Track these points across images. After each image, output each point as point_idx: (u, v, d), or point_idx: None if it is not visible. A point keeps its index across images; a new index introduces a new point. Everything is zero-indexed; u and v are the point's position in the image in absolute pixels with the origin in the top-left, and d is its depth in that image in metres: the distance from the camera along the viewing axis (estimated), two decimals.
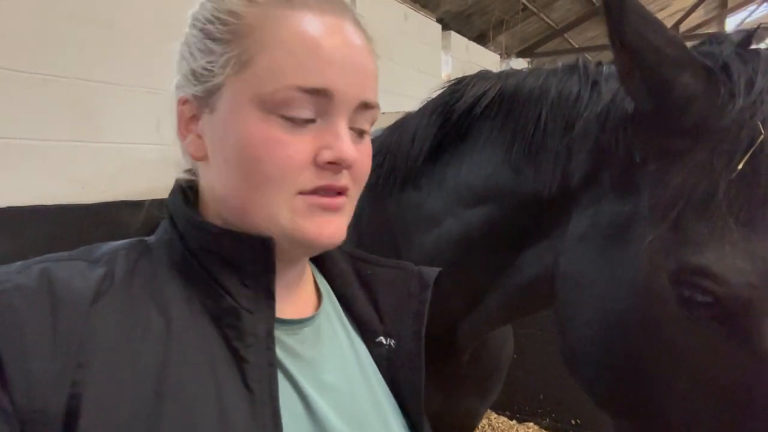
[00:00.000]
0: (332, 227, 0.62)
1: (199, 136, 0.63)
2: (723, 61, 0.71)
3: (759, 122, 0.65)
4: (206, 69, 0.61)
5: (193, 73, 0.62)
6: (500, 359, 1.49)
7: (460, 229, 1.09)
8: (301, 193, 0.60)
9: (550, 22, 8.59)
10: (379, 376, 0.73)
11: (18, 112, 2.39)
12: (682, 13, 9.42)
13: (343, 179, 0.62)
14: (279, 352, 0.61)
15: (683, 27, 9.15)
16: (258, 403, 0.55)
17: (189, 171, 0.68)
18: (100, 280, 0.56)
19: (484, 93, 1.07)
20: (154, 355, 0.53)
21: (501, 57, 8.05)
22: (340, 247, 0.79)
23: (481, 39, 7.58)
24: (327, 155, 0.59)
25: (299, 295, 0.70)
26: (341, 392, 0.65)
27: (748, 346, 0.64)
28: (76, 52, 2.56)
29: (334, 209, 0.62)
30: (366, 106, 0.64)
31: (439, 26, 6.56)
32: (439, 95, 1.19)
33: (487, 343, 1.37)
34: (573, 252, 0.88)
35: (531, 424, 3.42)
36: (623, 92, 0.81)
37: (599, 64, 0.98)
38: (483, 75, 1.14)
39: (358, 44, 0.63)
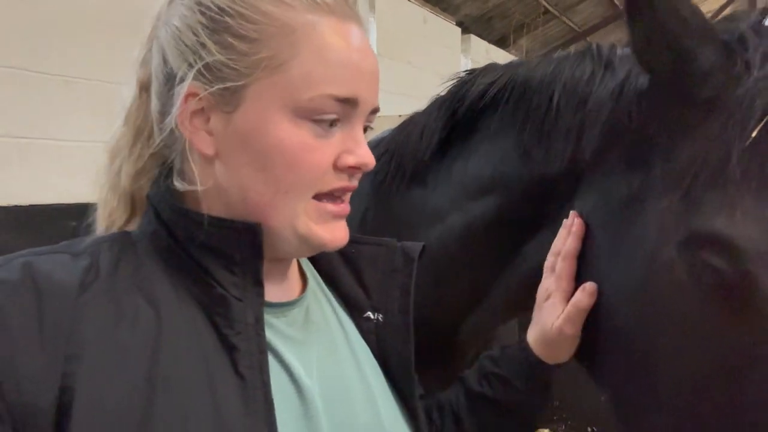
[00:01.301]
0: (342, 233, 0.65)
1: (210, 133, 0.60)
2: (739, 35, 0.72)
3: None
4: (228, 66, 0.58)
5: (208, 67, 0.58)
6: None
7: (464, 222, 1.09)
8: (317, 196, 0.62)
9: (573, 25, 8.51)
10: (368, 351, 0.74)
11: (41, 113, 2.44)
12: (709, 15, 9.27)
13: (356, 181, 0.66)
14: (269, 335, 0.61)
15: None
16: (250, 389, 0.55)
17: (163, 164, 0.66)
18: (85, 271, 0.55)
19: (494, 82, 1.07)
20: (144, 345, 0.53)
21: None
22: None
23: (501, 42, 7.55)
24: (350, 160, 0.62)
25: (285, 278, 0.71)
26: (331, 373, 0.66)
27: (756, 315, 0.64)
28: (100, 54, 2.61)
29: (341, 216, 0.65)
30: (375, 111, 0.67)
31: (459, 30, 6.54)
32: (447, 91, 1.18)
33: (492, 341, 1.36)
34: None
35: (546, 430, 3.39)
36: (637, 69, 0.82)
37: (612, 46, 0.97)
38: (491, 67, 1.13)
39: (373, 52, 0.66)
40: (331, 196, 0.63)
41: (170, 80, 0.61)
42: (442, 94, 1.19)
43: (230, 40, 0.58)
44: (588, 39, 9.05)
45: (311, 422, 0.60)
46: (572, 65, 0.96)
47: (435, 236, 1.13)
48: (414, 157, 1.18)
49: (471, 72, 1.15)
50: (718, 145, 0.68)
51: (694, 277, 0.68)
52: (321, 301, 0.73)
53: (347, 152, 0.62)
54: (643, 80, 0.82)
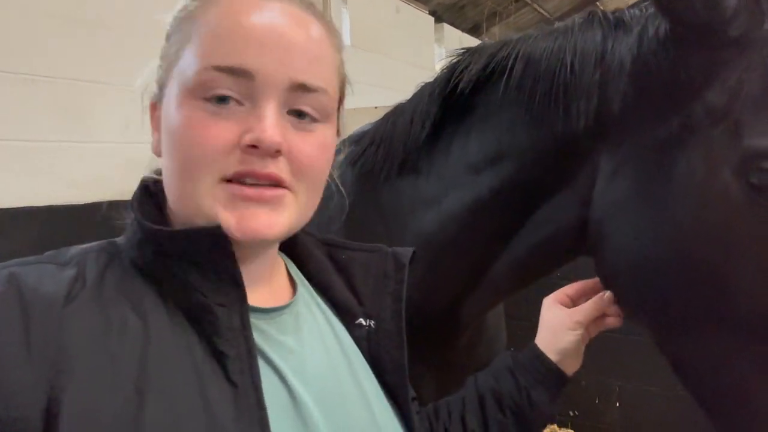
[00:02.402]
0: (257, 221, 0.58)
1: (159, 132, 0.63)
2: None
3: None
4: (160, 67, 0.63)
5: (159, 79, 0.63)
6: (495, 348, 1.48)
7: (468, 199, 1.08)
8: (225, 180, 0.57)
9: (544, 12, 8.56)
10: (361, 357, 0.73)
11: (4, 112, 2.36)
12: None
13: (271, 166, 0.57)
14: (259, 341, 0.60)
15: None
16: (242, 394, 0.55)
17: (159, 171, 0.67)
18: (71, 282, 0.54)
19: (493, 57, 1.06)
20: (132, 355, 0.52)
21: None
22: (312, 234, 0.80)
23: (474, 31, 7.56)
24: (247, 138, 0.56)
25: (273, 285, 0.70)
26: (324, 378, 0.65)
27: None
28: (64, 52, 2.53)
29: (260, 200, 0.58)
30: (303, 89, 0.59)
31: (432, 19, 6.53)
32: (436, 77, 1.18)
33: (483, 330, 1.37)
34: (611, 183, 0.91)
35: None
36: (653, 22, 0.88)
37: (615, 10, 0.99)
38: (483, 45, 1.12)
39: (296, 23, 0.60)
40: (243, 180, 0.58)
41: None
42: (428, 82, 1.19)
43: (164, 44, 0.63)
44: None
45: (305, 425, 0.59)
46: (581, 32, 0.98)
47: (430, 220, 1.12)
48: (404, 144, 1.17)
49: (462, 54, 1.14)
50: (760, 74, 0.76)
51: (752, 196, 0.74)
52: (311, 307, 0.72)
53: (248, 130, 0.56)
54: (662, 31, 0.86)
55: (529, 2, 7.94)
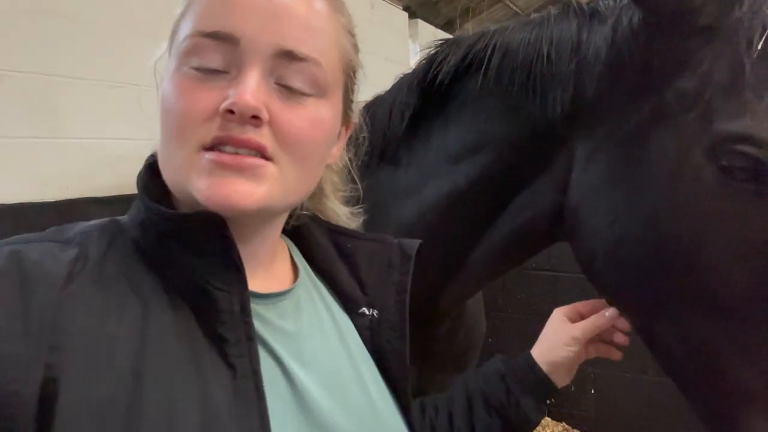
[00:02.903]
0: (230, 188, 0.54)
1: None
2: None
3: (767, 11, 0.78)
4: (168, 49, 0.64)
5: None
6: (474, 336, 1.51)
7: (447, 186, 1.10)
8: (204, 149, 0.56)
9: (516, 9, 8.63)
10: (362, 346, 0.73)
11: None
12: None
13: (251, 133, 0.55)
14: (258, 326, 0.60)
15: None
16: (240, 378, 0.55)
17: None
18: (73, 261, 0.54)
19: (471, 48, 1.08)
20: (131, 337, 0.52)
21: None
22: (319, 221, 0.80)
23: (448, 26, 7.58)
24: (225, 103, 0.54)
25: (275, 271, 0.70)
26: (322, 364, 0.65)
27: None
28: (35, 46, 2.48)
29: (238, 168, 0.55)
30: (291, 57, 0.58)
31: (406, 14, 6.53)
32: (414, 68, 1.20)
33: (463, 318, 1.39)
34: (587, 169, 0.94)
35: None
36: (627, 12, 0.92)
37: (590, 1, 1.03)
38: (462, 37, 1.15)
39: None
40: (222, 148, 0.56)
41: None
42: (405, 73, 1.20)
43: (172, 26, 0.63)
44: None
45: (304, 411, 0.60)
46: (557, 23, 1.01)
47: (410, 208, 1.14)
48: (383, 135, 1.18)
49: (440, 45, 1.15)
50: (729, 60, 0.79)
51: (722, 177, 0.78)
52: (312, 294, 0.72)
53: (228, 97, 0.55)
54: (635, 20, 0.90)
55: None
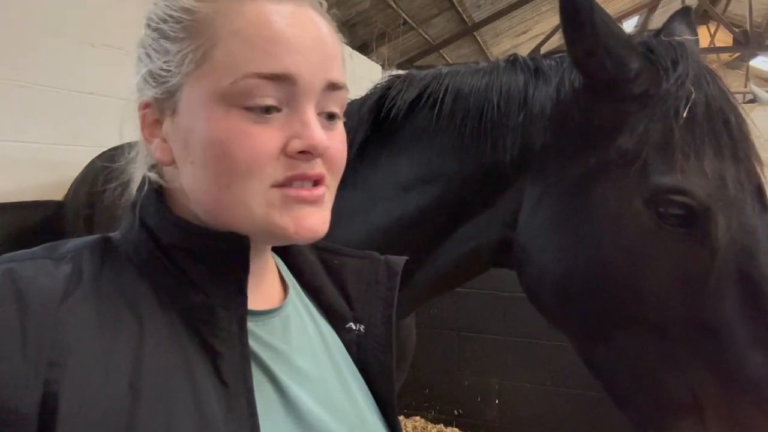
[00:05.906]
0: (312, 220, 0.60)
1: (165, 140, 0.62)
2: (648, 47, 0.99)
3: (690, 85, 0.93)
4: (164, 69, 0.60)
5: (151, 74, 0.61)
6: (407, 348, 1.58)
7: (397, 212, 1.16)
8: (276, 186, 0.58)
9: (428, 38, 9.04)
10: (349, 361, 0.75)
11: None
12: (542, 37, 10.43)
13: (317, 167, 0.60)
14: (251, 343, 0.61)
15: (544, 49, 10.09)
16: (233, 395, 0.56)
17: (154, 167, 0.66)
18: (68, 277, 0.55)
19: (426, 88, 1.17)
20: (127, 352, 0.53)
21: (383, 67, 8.31)
22: None
23: (363, 49, 7.78)
24: (297, 144, 0.58)
25: (265, 285, 0.70)
26: (313, 379, 0.66)
27: (706, 241, 0.88)
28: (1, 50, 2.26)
29: (312, 201, 0.60)
30: (333, 87, 0.62)
31: None
32: (368, 95, 1.27)
33: (398, 332, 1.46)
34: (536, 211, 1.04)
35: (418, 417, 3.60)
36: (569, 75, 1.04)
37: (533, 58, 1.14)
38: (414, 75, 1.23)
39: (317, 26, 0.62)
40: (291, 184, 0.59)
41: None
42: (356, 99, 1.28)
43: (164, 44, 0.61)
44: (441, 51, 9.66)
45: (298, 424, 0.61)
46: (505, 74, 1.11)
47: (357, 230, 1.19)
48: None
49: (392, 80, 1.25)
50: (662, 125, 0.92)
51: (659, 222, 0.90)
52: (301, 310, 0.73)
53: (295, 136, 0.58)
54: (577, 83, 1.02)
55: (415, 26, 8.35)
